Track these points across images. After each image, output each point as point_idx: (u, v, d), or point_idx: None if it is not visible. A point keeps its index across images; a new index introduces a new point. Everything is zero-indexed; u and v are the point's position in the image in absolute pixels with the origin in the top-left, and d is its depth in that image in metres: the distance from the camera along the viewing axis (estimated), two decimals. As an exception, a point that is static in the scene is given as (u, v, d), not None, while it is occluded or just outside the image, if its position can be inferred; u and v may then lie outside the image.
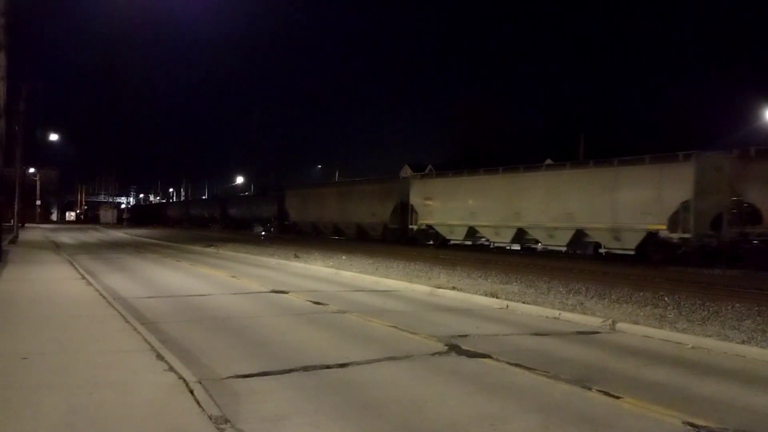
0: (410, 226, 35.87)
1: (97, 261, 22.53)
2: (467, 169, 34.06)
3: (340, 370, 7.13)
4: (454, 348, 8.40)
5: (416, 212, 35.49)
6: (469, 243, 32.79)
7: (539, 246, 29.11)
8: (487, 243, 32.11)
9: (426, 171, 67.85)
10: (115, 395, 5.74)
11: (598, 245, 26.15)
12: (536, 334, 9.70)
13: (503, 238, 30.22)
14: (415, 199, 35.64)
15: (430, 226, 34.66)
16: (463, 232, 32.30)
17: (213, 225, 74.23)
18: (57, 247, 29.87)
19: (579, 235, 26.24)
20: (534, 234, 28.54)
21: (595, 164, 26.56)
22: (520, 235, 29.09)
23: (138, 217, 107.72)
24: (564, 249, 27.25)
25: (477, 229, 31.57)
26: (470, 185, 32.70)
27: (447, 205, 33.38)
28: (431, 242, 34.67)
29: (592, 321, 10.65)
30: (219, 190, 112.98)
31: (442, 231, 33.91)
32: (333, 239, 43.66)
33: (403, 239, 36.82)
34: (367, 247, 32.94)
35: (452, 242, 33.68)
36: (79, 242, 37.73)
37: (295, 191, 54.60)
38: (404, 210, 36.51)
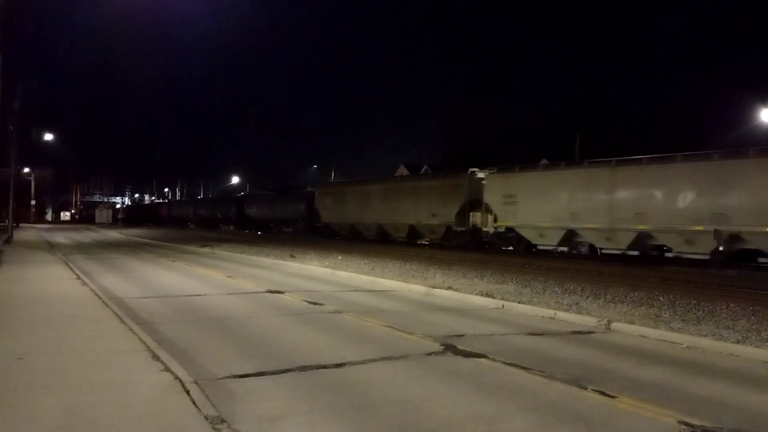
0: (484, 229, 31.05)
1: (92, 261, 22.48)
2: (565, 161, 29.55)
3: (336, 370, 7.13)
4: (450, 348, 8.42)
5: (492, 212, 30.34)
6: (563, 249, 27.75)
7: (670, 253, 24.23)
8: (583, 250, 27.30)
9: (422, 171, 68.09)
10: (110, 395, 5.73)
11: (758, 253, 21.81)
12: (532, 334, 9.72)
13: (617, 244, 25.28)
14: (491, 197, 30.55)
15: (510, 229, 29.73)
16: (558, 236, 27.31)
17: (225, 226, 67.97)
18: (52, 247, 29.79)
19: (733, 241, 21.51)
20: (663, 239, 23.96)
21: (759, 153, 21.77)
22: (640, 239, 24.45)
23: (134, 217, 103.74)
24: (707, 257, 22.11)
25: (578, 232, 26.79)
26: (569, 180, 27.33)
27: (536, 203, 28.16)
28: (510, 248, 30.11)
29: (587, 321, 10.68)
30: (216, 189, 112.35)
31: (528, 235, 29.00)
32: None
33: (471, 244, 32.04)
34: (364, 247, 32.92)
35: (540, 248, 28.69)
36: (74, 242, 37.64)
37: (329, 188, 48.73)
38: (474, 210, 31.78)
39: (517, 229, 29.57)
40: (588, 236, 26.86)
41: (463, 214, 32.49)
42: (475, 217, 31.83)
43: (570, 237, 27.34)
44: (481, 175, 32.38)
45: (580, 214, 26.42)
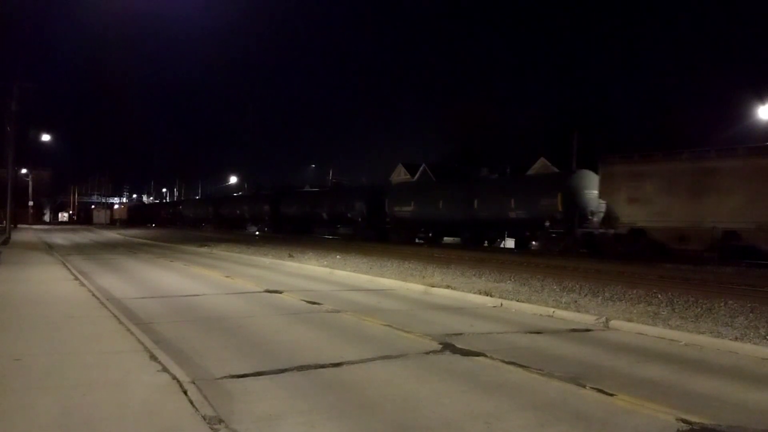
0: None
1: (90, 262, 22.44)
2: None
3: (334, 369, 7.12)
4: (448, 346, 8.41)
5: None
6: None
7: None
8: None
9: (420, 170, 67.94)
10: (108, 396, 5.72)
11: None
12: (530, 332, 9.72)
13: None
14: None
15: None
16: None
17: (351, 229, 43.80)
18: (50, 248, 29.74)
19: None
20: None
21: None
22: None
23: (137, 217, 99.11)
24: None
25: None
26: None
27: None
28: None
29: (585, 318, 10.68)
30: (214, 190, 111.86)
31: None
32: (327, 238, 38.75)
33: None
34: (362, 246, 32.87)
35: None
36: (72, 243, 37.56)
37: (642, 165, 25.55)
38: None
39: None
40: None
41: None
42: None
43: None
44: None
45: None
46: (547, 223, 28.51)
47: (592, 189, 27.36)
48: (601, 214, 26.41)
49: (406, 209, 37.81)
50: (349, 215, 42.76)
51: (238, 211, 64.00)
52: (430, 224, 36.93)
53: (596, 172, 27.30)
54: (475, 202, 32.65)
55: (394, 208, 38.82)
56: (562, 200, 28.02)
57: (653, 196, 24.33)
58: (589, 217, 27.21)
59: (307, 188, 63.31)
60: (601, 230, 26.09)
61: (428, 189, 40.37)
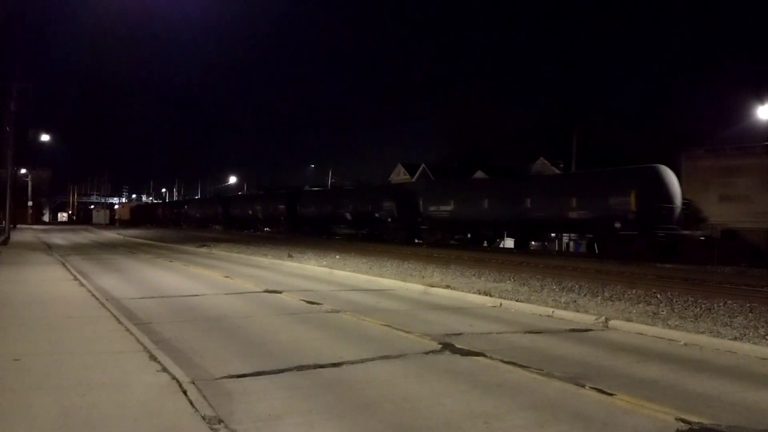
0: None
1: (89, 262, 22.44)
2: None
3: (333, 369, 7.12)
4: (447, 346, 8.41)
5: None
6: None
7: None
8: None
9: (420, 170, 68.08)
10: (108, 396, 5.72)
11: None
12: (530, 332, 9.72)
13: None
14: None
15: None
16: None
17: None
18: (49, 248, 29.73)
19: None
20: None
21: None
22: None
23: (138, 217, 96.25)
24: None
25: None
26: None
27: None
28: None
29: (585, 318, 10.69)
30: (213, 190, 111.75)
31: None
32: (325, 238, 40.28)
33: None
34: (361, 246, 32.85)
35: None
36: (72, 243, 37.55)
37: (722, 160, 24.24)
38: None
39: None
40: None
41: None
42: None
43: None
44: None
45: None
46: (618, 225, 25.01)
47: (669, 186, 24.52)
48: (680, 215, 23.97)
49: (444, 209, 34.18)
50: (377, 215, 39.03)
51: (250, 212, 59.74)
52: (472, 225, 33.84)
53: (673, 168, 24.88)
54: (528, 200, 29.35)
55: (429, 208, 35.23)
56: (637, 198, 24.53)
57: (751, 194, 21.27)
58: (668, 217, 24.14)
59: (307, 188, 62.90)
60: (685, 232, 23.44)
61: (471, 187, 36.81)
